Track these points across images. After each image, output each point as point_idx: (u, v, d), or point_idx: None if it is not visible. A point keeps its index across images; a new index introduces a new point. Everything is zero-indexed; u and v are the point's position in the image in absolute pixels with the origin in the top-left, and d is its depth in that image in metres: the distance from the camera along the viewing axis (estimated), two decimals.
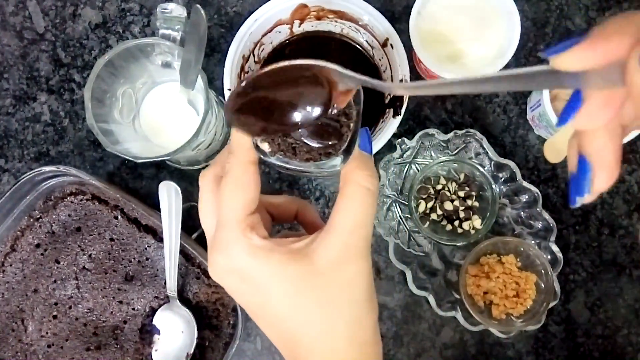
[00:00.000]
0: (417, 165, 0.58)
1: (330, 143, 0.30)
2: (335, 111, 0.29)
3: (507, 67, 0.51)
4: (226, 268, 0.30)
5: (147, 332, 0.55)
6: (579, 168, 0.25)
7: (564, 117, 0.23)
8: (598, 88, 0.22)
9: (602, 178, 0.24)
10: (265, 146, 0.30)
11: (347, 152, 0.30)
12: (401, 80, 0.52)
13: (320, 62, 0.28)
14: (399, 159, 0.58)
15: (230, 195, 0.30)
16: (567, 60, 0.21)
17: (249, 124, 0.29)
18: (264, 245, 0.30)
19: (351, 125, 0.31)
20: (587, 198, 0.25)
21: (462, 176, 0.58)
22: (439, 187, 0.58)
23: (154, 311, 0.55)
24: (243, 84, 0.28)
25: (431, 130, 0.57)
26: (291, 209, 0.37)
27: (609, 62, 0.21)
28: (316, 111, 0.28)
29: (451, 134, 0.57)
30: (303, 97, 0.28)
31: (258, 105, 0.28)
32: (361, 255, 0.30)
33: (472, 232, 0.57)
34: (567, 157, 0.27)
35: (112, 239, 0.56)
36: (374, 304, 0.31)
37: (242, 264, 0.29)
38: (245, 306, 0.31)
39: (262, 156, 0.31)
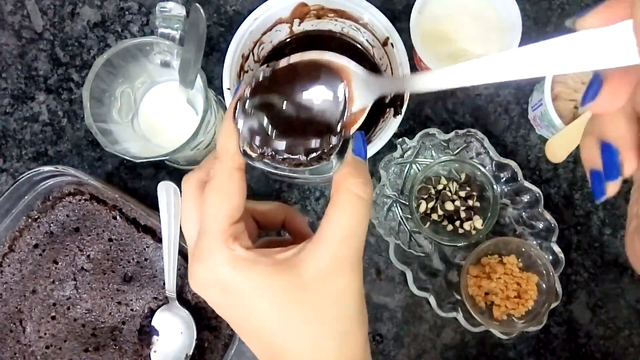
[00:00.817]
0: (417, 165, 0.58)
1: (320, 147, 0.29)
2: (337, 140, 0.28)
3: None
4: (207, 280, 0.29)
5: (145, 333, 0.54)
6: (606, 155, 0.25)
7: (586, 99, 0.24)
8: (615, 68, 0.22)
9: (630, 160, 0.25)
10: (253, 151, 0.29)
11: (340, 156, 0.29)
12: None
13: (347, 61, 0.27)
14: (400, 159, 0.57)
15: (213, 203, 0.29)
16: (589, 19, 0.22)
17: (253, 133, 0.28)
18: (247, 256, 0.28)
19: (340, 126, 0.29)
20: (613, 188, 0.26)
21: (463, 176, 0.58)
22: (440, 187, 0.57)
23: (152, 312, 0.54)
24: (260, 78, 0.27)
25: (432, 130, 0.57)
26: (278, 216, 0.36)
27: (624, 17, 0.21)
28: (324, 143, 0.28)
29: (452, 134, 0.56)
30: (317, 122, 0.27)
31: (270, 117, 0.28)
32: (351, 267, 0.28)
33: (473, 232, 0.56)
34: (582, 156, 0.26)
35: (110, 240, 0.55)
36: (364, 318, 0.30)
37: (224, 275, 0.28)
38: (228, 319, 0.30)
39: (249, 161, 0.29)
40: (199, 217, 0.30)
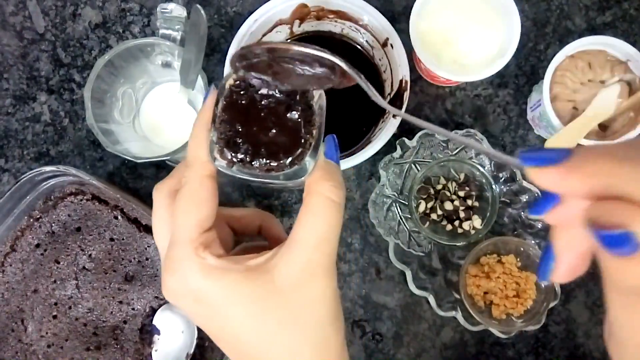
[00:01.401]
0: (417, 165, 0.58)
1: (290, 151, 0.28)
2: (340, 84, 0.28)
3: (507, 67, 0.51)
4: (179, 290, 0.28)
5: (147, 332, 0.55)
6: (543, 253, 0.25)
7: (535, 210, 0.24)
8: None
9: (560, 272, 0.24)
10: (223, 158, 0.29)
11: (312, 160, 0.29)
12: (401, 81, 0.52)
13: (332, 56, 0.28)
14: (399, 159, 0.58)
15: (183, 211, 0.28)
16: (541, 178, 0.22)
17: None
18: (218, 264, 0.27)
19: (314, 132, 0.29)
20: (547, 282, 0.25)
21: (462, 176, 0.58)
22: (439, 187, 0.58)
23: (154, 311, 0.55)
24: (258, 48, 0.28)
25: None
26: (254, 222, 0.35)
27: (579, 196, 0.21)
28: (323, 72, 0.28)
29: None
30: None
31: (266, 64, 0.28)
32: (325, 272, 0.28)
33: (472, 232, 0.57)
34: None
35: (112, 239, 0.56)
36: (340, 323, 0.29)
37: (196, 285, 0.27)
38: (203, 327, 0.29)
39: (220, 168, 0.29)
40: (170, 226, 0.29)
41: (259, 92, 0.29)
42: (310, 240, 0.27)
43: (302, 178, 0.29)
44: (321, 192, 0.28)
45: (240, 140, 0.28)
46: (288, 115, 0.29)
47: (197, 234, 0.28)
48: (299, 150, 0.28)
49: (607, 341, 0.25)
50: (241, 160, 0.28)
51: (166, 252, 0.29)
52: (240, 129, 0.28)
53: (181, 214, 0.28)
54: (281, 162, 0.28)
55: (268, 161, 0.28)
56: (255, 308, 0.27)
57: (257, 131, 0.28)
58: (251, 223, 0.35)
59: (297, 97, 0.29)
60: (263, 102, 0.29)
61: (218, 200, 0.29)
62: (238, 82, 0.29)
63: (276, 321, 0.27)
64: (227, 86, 0.29)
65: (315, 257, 0.27)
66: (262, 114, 0.28)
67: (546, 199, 0.23)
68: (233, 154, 0.28)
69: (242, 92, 0.29)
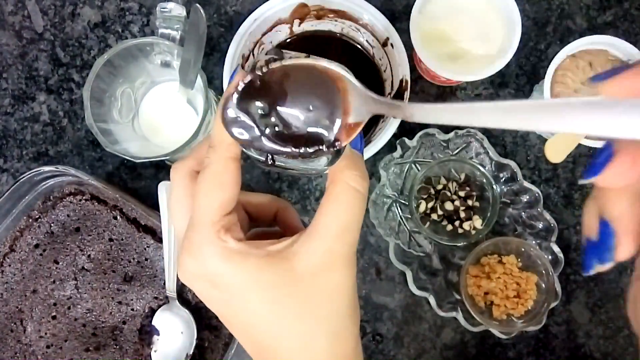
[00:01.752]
0: (417, 165, 0.58)
1: (314, 150, 0.27)
2: (334, 147, 0.27)
3: (508, 66, 0.51)
4: (197, 272, 0.28)
5: (146, 333, 0.54)
6: (601, 234, 0.23)
7: (592, 170, 0.22)
8: (629, 142, 0.21)
9: (626, 246, 0.23)
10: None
11: (337, 153, 0.28)
12: (401, 81, 0.52)
13: (345, 71, 0.26)
14: (400, 159, 0.57)
15: (206, 193, 0.28)
16: (616, 88, 0.20)
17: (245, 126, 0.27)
18: (239, 248, 0.27)
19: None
20: (607, 266, 0.24)
21: (462, 176, 0.58)
22: (440, 187, 0.58)
23: (153, 312, 0.54)
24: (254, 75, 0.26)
25: (432, 130, 0.57)
26: (271, 210, 0.35)
27: None
28: (318, 143, 0.27)
29: (452, 134, 0.57)
30: (314, 123, 0.26)
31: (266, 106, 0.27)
32: (346, 262, 0.27)
33: (473, 232, 0.56)
34: (583, 221, 0.25)
35: (111, 239, 0.56)
36: (356, 314, 0.29)
37: (215, 269, 0.27)
38: (217, 313, 0.29)
39: (244, 150, 0.28)
40: (189, 207, 0.29)
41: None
42: (333, 228, 0.27)
43: (325, 166, 0.28)
44: (346, 180, 0.27)
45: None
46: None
47: (220, 217, 0.27)
48: (324, 146, 0.27)
49: (632, 310, 0.25)
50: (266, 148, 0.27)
51: (185, 233, 0.28)
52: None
53: (204, 196, 0.28)
54: (307, 149, 0.27)
55: (294, 148, 0.27)
56: (274, 294, 0.27)
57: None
58: (268, 210, 0.34)
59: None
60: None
61: (240, 184, 0.29)
62: (268, 59, 0.27)
63: (293, 310, 0.27)
64: (257, 66, 0.27)
65: (337, 246, 0.27)
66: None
67: (599, 157, 0.22)
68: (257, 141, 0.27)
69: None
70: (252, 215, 0.34)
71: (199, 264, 0.28)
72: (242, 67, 0.27)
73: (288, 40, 0.57)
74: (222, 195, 0.28)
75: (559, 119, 0.20)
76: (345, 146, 0.28)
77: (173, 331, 0.54)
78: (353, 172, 0.28)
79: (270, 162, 0.28)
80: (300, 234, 0.28)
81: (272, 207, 0.34)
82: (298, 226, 0.34)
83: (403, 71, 0.52)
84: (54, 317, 0.54)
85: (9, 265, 0.55)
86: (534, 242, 0.56)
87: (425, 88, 0.60)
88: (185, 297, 0.55)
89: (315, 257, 0.27)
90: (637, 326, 0.25)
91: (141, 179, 0.60)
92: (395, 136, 0.53)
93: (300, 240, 0.27)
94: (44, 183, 0.55)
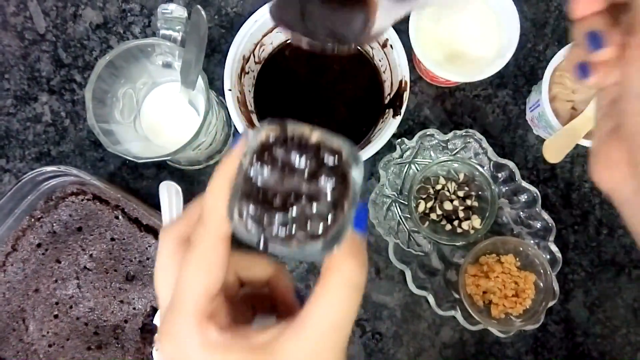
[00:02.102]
0: (416, 165, 0.59)
1: (317, 230, 0.25)
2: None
3: (506, 67, 0.51)
4: (177, 357, 0.26)
5: (148, 332, 0.55)
6: (591, 36, 0.27)
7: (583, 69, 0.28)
8: None
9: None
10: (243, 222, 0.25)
11: (335, 239, 0.26)
12: (401, 82, 0.52)
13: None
14: (399, 159, 0.58)
15: (192, 275, 0.26)
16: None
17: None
18: (221, 341, 0.25)
19: (345, 204, 0.25)
20: (598, 73, 0.27)
21: (461, 176, 0.58)
22: (439, 187, 0.58)
23: (154, 311, 0.55)
24: None
25: (430, 131, 0.57)
26: (263, 275, 0.33)
27: None
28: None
29: (451, 134, 0.57)
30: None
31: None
32: (334, 357, 0.26)
33: (472, 232, 0.57)
34: (567, 60, 0.31)
35: (113, 239, 0.56)
36: None
37: (195, 358, 0.26)
38: None
39: (236, 230, 0.26)
40: (174, 276, 0.27)
41: (292, 152, 0.25)
42: (324, 324, 0.25)
43: (322, 250, 0.26)
44: (344, 270, 0.26)
45: (264, 206, 0.25)
46: (321, 184, 0.25)
47: (204, 304, 0.26)
48: (327, 225, 0.25)
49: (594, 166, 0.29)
50: (262, 227, 0.25)
51: (166, 314, 0.27)
52: (267, 190, 0.25)
53: (189, 278, 0.26)
54: (304, 233, 0.25)
55: (291, 231, 0.25)
56: None
57: (285, 197, 0.25)
58: (260, 274, 0.32)
59: (334, 161, 0.25)
60: (294, 164, 0.25)
61: (228, 263, 0.27)
62: (272, 135, 0.25)
63: None
64: (258, 138, 0.25)
65: (327, 343, 0.25)
66: (292, 178, 0.25)
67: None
68: (252, 216, 0.25)
69: (274, 148, 0.25)
70: (243, 278, 0.32)
71: (180, 352, 0.26)
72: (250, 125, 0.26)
73: (288, 41, 0.58)
74: (208, 280, 0.26)
75: None
76: (343, 231, 0.26)
77: None
78: (353, 261, 0.26)
79: (262, 248, 0.26)
80: (288, 323, 0.26)
81: (264, 273, 0.33)
82: (289, 299, 0.32)
83: (402, 72, 0.52)
84: (56, 316, 0.55)
85: (12, 265, 0.56)
86: (532, 241, 0.57)
87: (425, 89, 0.61)
88: None
89: (301, 355, 0.25)
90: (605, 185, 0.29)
91: (143, 179, 0.61)
92: (395, 136, 0.54)
93: (288, 332, 0.26)
94: (46, 183, 0.55)
